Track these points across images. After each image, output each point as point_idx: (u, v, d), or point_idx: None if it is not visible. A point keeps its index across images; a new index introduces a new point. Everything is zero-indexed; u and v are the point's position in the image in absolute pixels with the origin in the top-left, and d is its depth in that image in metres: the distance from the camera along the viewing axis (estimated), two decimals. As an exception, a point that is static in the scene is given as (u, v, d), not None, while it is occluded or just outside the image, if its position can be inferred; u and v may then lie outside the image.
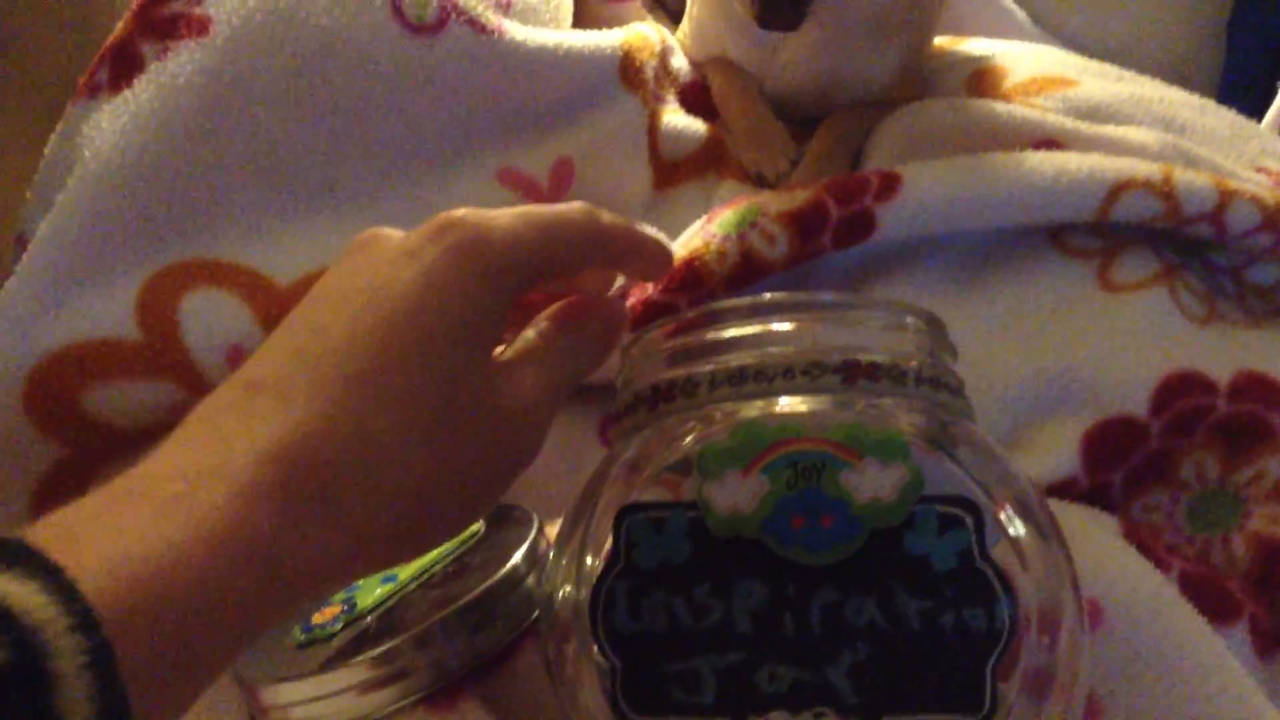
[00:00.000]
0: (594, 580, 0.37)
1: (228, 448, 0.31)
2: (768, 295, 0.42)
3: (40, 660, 0.24)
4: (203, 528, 0.29)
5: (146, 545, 0.28)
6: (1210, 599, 0.51)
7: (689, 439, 0.39)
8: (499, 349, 0.40)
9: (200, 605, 0.29)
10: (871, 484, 0.36)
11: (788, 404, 0.38)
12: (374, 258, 0.37)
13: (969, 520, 0.36)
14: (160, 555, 0.28)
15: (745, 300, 0.41)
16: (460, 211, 0.37)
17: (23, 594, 0.25)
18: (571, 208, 0.40)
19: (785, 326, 0.40)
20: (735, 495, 0.36)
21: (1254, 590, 0.54)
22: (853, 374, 0.38)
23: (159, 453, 0.32)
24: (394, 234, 0.38)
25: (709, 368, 0.39)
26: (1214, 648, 0.48)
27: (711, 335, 0.40)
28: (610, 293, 0.46)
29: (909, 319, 0.42)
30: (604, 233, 0.41)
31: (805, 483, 0.36)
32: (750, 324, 0.40)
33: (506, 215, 0.38)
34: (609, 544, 0.37)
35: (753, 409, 0.38)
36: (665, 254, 0.45)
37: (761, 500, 0.36)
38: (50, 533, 0.28)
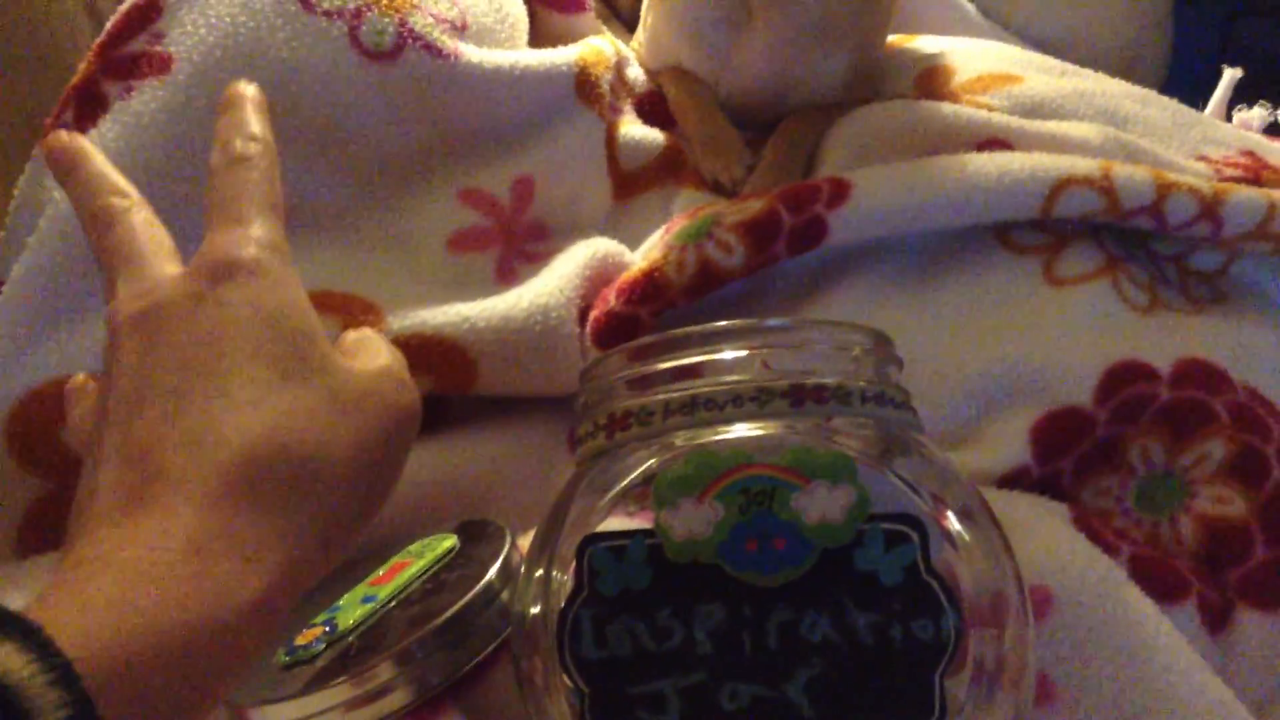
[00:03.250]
0: (560, 602, 0.38)
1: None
2: (719, 323, 0.44)
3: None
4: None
5: (112, 609, 0.30)
6: (1159, 580, 0.52)
7: (648, 464, 0.40)
8: None
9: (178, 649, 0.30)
10: (820, 506, 0.37)
11: (739, 430, 0.39)
12: (163, 325, 0.39)
13: (914, 535, 0.38)
14: (129, 619, 0.30)
15: (697, 329, 0.43)
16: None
17: (1, 655, 0.26)
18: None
19: (735, 353, 0.41)
20: (691, 522, 0.37)
21: (1201, 569, 0.56)
22: (800, 397, 0.40)
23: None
24: (171, 292, 0.39)
25: (663, 396, 0.40)
26: (1162, 627, 0.49)
27: (665, 363, 0.42)
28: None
29: (854, 338, 0.44)
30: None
31: (757, 507, 0.37)
32: (702, 351, 0.42)
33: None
34: (574, 565, 0.39)
35: (706, 436, 0.40)
36: None
37: (716, 526, 0.37)
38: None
